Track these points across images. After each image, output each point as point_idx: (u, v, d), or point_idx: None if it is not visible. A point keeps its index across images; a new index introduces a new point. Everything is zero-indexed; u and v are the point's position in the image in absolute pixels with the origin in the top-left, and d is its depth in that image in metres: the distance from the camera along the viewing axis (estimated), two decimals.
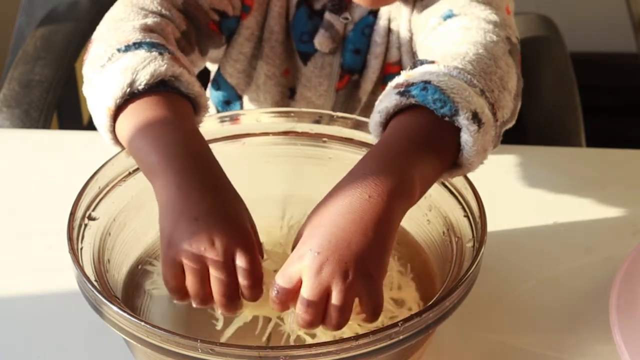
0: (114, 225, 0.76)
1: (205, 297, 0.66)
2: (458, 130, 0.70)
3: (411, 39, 0.94)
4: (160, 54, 0.75)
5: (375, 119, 0.72)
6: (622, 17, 1.71)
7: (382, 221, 0.65)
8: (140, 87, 0.73)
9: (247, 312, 0.71)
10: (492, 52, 0.77)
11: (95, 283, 0.67)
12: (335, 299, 0.64)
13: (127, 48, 0.76)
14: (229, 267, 0.65)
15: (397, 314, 0.74)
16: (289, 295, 0.65)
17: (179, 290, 0.66)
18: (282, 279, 0.65)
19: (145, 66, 0.73)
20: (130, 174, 0.78)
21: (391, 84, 0.73)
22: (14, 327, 0.81)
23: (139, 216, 0.78)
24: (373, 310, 0.65)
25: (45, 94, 1.19)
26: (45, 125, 1.17)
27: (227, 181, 0.70)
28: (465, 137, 0.69)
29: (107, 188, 0.76)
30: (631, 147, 1.05)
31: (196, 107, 0.76)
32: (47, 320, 0.81)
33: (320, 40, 0.96)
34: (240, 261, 0.65)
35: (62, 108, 1.26)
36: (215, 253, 0.64)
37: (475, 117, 0.69)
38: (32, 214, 0.94)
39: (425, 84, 0.70)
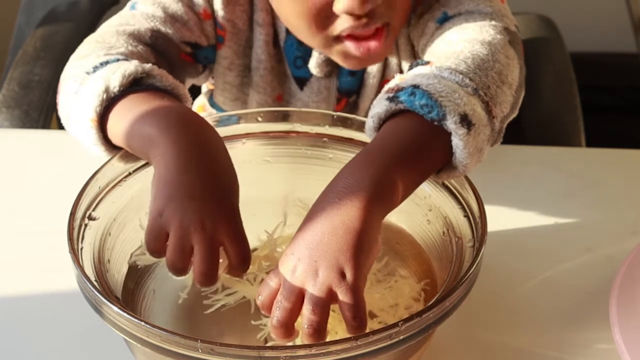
0: (114, 225, 0.76)
1: (182, 268, 0.67)
2: (449, 133, 0.70)
3: (413, 50, 0.93)
4: (127, 60, 0.77)
5: (369, 124, 0.73)
6: (622, 17, 1.71)
7: (352, 221, 0.65)
8: (115, 90, 0.75)
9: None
10: (489, 47, 0.77)
11: (95, 283, 0.67)
12: (307, 297, 0.64)
13: (95, 69, 0.77)
14: (214, 249, 0.67)
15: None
16: (270, 298, 0.66)
17: (158, 252, 0.68)
18: (263, 284, 0.67)
19: (115, 71, 0.75)
20: (130, 174, 0.78)
21: (385, 88, 0.73)
22: (14, 327, 0.81)
23: (139, 216, 0.77)
24: (352, 315, 0.64)
25: (45, 94, 1.19)
26: (45, 125, 1.17)
27: (222, 149, 0.71)
28: (456, 141, 0.70)
29: (107, 188, 0.76)
30: (631, 147, 1.05)
31: (176, 98, 0.77)
32: (47, 320, 0.81)
33: (315, 64, 0.94)
34: (229, 245, 0.67)
35: None
36: (204, 235, 0.66)
37: (465, 120, 0.69)
38: (32, 214, 0.94)
39: (414, 88, 0.70)
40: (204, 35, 0.92)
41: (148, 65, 0.76)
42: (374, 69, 0.94)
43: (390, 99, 0.71)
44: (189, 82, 0.94)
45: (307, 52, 0.94)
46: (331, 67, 0.95)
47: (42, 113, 1.17)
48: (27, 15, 1.52)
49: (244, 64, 0.96)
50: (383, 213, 0.67)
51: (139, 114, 0.73)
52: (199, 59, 0.93)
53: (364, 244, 0.65)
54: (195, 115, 0.74)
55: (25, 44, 1.27)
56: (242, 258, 0.68)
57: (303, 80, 0.96)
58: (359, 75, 0.95)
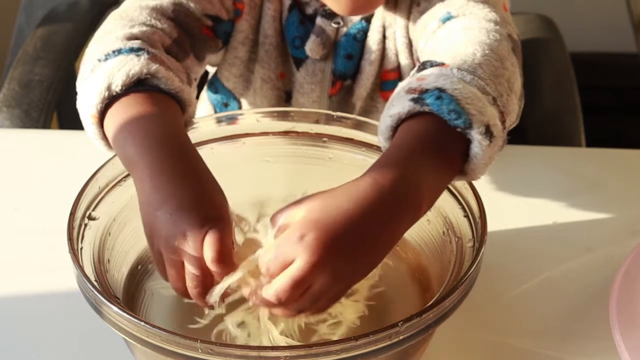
0: (114, 225, 0.76)
1: (185, 290, 0.67)
2: (468, 141, 0.69)
3: (410, 45, 0.93)
4: (137, 55, 0.76)
5: (386, 122, 0.71)
6: (622, 17, 1.71)
7: (371, 216, 0.64)
8: (117, 89, 0.74)
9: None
10: (498, 53, 0.75)
11: (95, 283, 0.67)
12: (309, 295, 0.64)
13: (107, 57, 0.77)
14: (201, 260, 0.66)
15: None
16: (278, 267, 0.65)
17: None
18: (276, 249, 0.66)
19: (121, 68, 0.74)
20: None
21: (402, 86, 0.72)
22: (14, 327, 0.81)
23: (138, 216, 0.77)
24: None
25: (45, 94, 1.19)
26: (45, 125, 1.17)
27: (200, 165, 0.71)
28: (476, 150, 0.69)
29: (107, 188, 0.76)
30: (631, 147, 1.05)
31: (180, 103, 0.77)
32: (47, 320, 0.81)
33: (311, 47, 0.94)
34: (208, 249, 0.65)
35: (62, 108, 1.26)
36: (188, 247, 0.66)
37: (488, 131, 0.68)
38: (32, 214, 0.94)
39: (440, 92, 0.69)
40: (224, 8, 0.93)
41: (154, 67, 0.75)
42: (371, 57, 0.94)
43: (415, 100, 0.69)
44: (209, 58, 0.94)
45: (306, 32, 0.95)
46: (327, 50, 0.95)
47: (42, 113, 1.17)
48: (27, 15, 1.52)
49: (256, 40, 0.97)
50: (409, 220, 0.66)
51: (126, 125, 0.72)
52: (219, 33, 0.94)
53: (370, 246, 0.64)
54: (177, 134, 0.73)
55: (26, 43, 1.28)
56: (220, 263, 0.66)
57: (299, 60, 0.97)
58: (356, 60, 0.95)
